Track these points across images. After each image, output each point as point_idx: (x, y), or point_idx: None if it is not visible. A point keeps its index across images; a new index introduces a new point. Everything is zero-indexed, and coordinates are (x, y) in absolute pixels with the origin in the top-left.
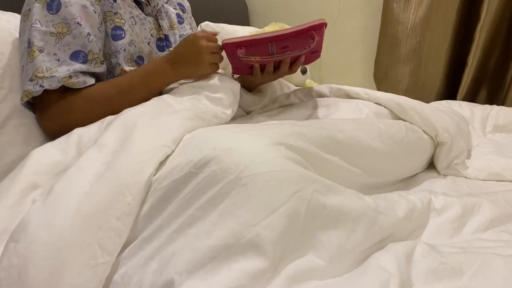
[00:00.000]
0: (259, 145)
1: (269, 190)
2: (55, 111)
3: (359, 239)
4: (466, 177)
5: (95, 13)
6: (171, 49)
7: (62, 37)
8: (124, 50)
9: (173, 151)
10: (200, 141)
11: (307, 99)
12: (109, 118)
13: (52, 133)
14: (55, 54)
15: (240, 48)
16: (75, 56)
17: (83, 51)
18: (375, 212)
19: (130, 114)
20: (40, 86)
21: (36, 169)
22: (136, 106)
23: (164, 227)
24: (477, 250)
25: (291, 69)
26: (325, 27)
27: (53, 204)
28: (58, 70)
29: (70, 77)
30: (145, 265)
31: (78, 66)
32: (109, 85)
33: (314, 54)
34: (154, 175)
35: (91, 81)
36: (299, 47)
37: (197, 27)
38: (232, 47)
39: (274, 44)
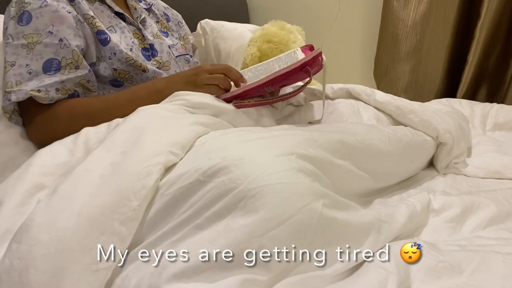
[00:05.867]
0: (270, 156)
1: (277, 202)
2: (41, 122)
3: (364, 251)
4: (465, 175)
5: (69, 13)
6: (157, 58)
7: (33, 47)
8: (114, 54)
9: (181, 158)
10: (209, 149)
11: (312, 99)
12: (118, 119)
13: (39, 142)
14: (27, 65)
15: (236, 99)
16: (48, 64)
17: (56, 59)
18: (380, 221)
19: (143, 115)
20: (8, 100)
21: (42, 169)
22: (151, 106)
23: (169, 235)
24: (477, 248)
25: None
26: (321, 57)
27: (57, 205)
28: (28, 84)
29: (39, 91)
30: (145, 268)
31: (48, 79)
32: (96, 100)
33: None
34: (161, 180)
35: (59, 97)
36: (295, 81)
37: (197, 25)
38: (228, 101)
39: (270, 86)
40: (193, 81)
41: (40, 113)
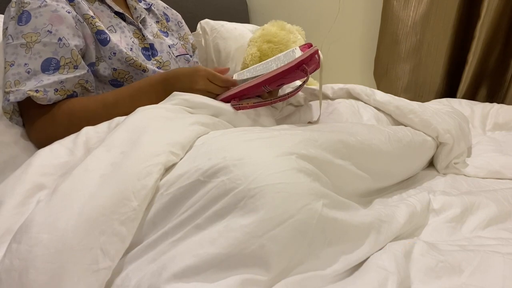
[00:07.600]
0: (270, 156)
1: (277, 202)
2: (40, 124)
3: (365, 251)
4: (465, 175)
5: (69, 13)
6: (157, 58)
7: (32, 46)
8: (114, 54)
9: (181, 158)
10: (209, 149)
11: (312, 99)
12: (118, 119)
13: (39, 143)
14: (25, 64)
15: (234, 99)
16: (47, 64)
17: (54, 58)
18: (380, 221)
19: (143, 115)
20: (7, 100)
21: (42, 169)
22: (151, 106)
23: (169, 235)
24: (477, 248)
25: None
26: (317, 55)
27: (58, 205)
28: (26, 84)
29: (37, 91)
30: (145, 268)
31: (47, 79)
32: (94, 100)
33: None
34: (161, 180)
35: (58, 98)
36: (293, 80)
37: (197, 25)
38: (225, 101)
39: (267, 86)
40: (194, 80)
41: (39, 114)
